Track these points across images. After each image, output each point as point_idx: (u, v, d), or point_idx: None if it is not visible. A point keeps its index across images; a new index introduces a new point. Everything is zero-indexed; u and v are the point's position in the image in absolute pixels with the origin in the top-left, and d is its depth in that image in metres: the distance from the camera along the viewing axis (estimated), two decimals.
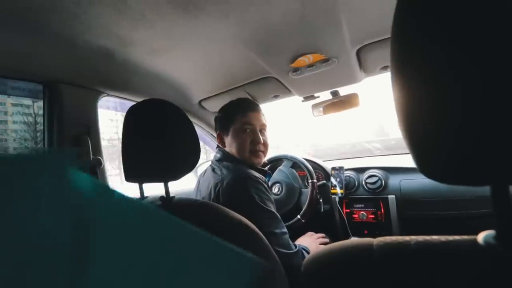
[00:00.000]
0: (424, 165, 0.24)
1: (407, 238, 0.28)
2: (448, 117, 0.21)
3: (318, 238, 1.11)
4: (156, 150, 0.63)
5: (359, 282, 0.27)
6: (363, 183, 1.35)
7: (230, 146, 0.95)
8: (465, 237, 0.26)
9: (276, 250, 0.69)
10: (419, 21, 0.22)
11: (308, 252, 0.90)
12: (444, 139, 0.21)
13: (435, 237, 0.27)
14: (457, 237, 0.26)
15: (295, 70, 0.96)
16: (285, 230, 0.80)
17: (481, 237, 0.25)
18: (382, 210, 1.26)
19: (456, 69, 0.20)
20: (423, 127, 0.23)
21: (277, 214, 0.80)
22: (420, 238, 0.28)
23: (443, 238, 0.27)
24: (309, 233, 1.16)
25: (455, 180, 0.22)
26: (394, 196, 1.24)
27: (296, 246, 0.82)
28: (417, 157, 0.24)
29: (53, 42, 0.68)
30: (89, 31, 0.67)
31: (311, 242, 1.05)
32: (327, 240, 1.12)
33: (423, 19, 0.21)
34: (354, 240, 0.32)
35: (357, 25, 0.74)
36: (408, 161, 1.39)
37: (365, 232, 1.30)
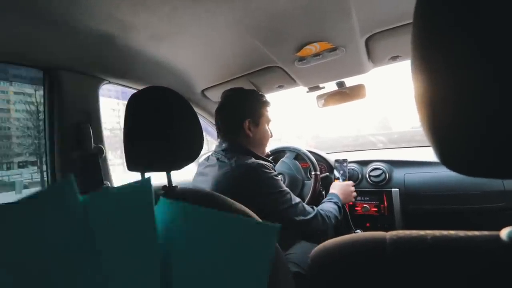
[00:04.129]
0: (449, 158, 0.22)
1: (422, 232, 0.27)
2: (480, 106, 0.19)
3: (348, 185, 1.18)
4: (159, 139, 0.62)
5: (371, 278, 0.26)
6: (367, 176, 1.33)
7: (255, 137, 0.95)
8: (486, 232, 0.25)
9: (296, 221, 0.82)
10: (446, 2, 0.20)
11: (337, 202, 1.01)
12: (475, 129, 0.19)
13: (452, 232, 0.26)
14: (476, 233, 0.25)
15: (301, 59, 0.94)
16: (298, 199, 0.88)
17: (504, 232, 0.23)
18: (385, 203, 1.25)
19: (490, 53, 0.18)
20: (449, 117, 0.21)
21: (287, 188, 0.87)
22: (437, 233, 0.26)
23: (461, 233, 0.25)
24: (337, 181, 1.25)
25: (485, 173, 0.20)
26: (397, 189, 1.23)
27: (313, 209, 0.90)
28: (440, 150, 0.22)
29: (52, 27, 0.66)
30: (89, 16, 0.64)
31: (340, 188, 1.14)
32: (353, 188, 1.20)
33: None
34: (365, 233, 0.30)
35: (367, 11, 0.71)
36: (412, 154, 1.38)
37: (367, 225, 1.30)
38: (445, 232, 0.26)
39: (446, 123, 0.21)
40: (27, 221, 0.17)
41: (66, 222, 0.17)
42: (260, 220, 0.54)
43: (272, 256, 0.17)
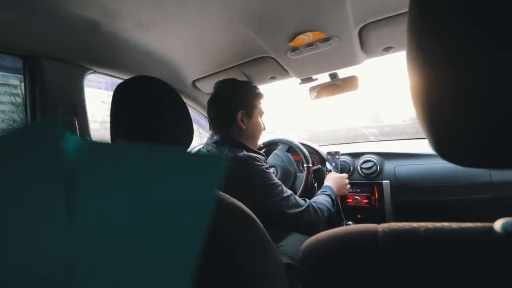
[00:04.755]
0: (446, 150, 0.21)
1: (414, 224, 0.27)
2: (480, 97, 0.18)
3: (342, 177, 1.17)
4: (147, 131, 0.60)
5: (363, 271, 0.26)
6: (359, 168, 1.35)
7: (248, 129, 0.93)
8: (479, 224, 0.24)
9: (288, 213, 0.81)
10: None
11: (330, 195, 1.00)
12: (474, 121, 0.19)
13: (445, 224, 0.25)
14: (470, 224, 0.25)
15: (294, 49, 0.92)
16: (290, 191, 0.87)
17: (498, 224, 0.23)
18: (376, 195, 1.27)
19: (491, 41, 0.17)
20: (446, 109, 0.20)
21: (278, 181, 0.86)
22: (430, 225, 0.26)
23: (454, 225, 0.25)
24: (332, 173, 1.24)
25: (483, 164, 0.20)
26: (388, 181, 1.25)
27: (306, 201, 0.89)
28: (437, 141, 0.22)
29: (32, 11, 0.62)
30: (72, 0, 0.61)
31: (335, 180, 1.13)
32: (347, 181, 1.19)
33: None
34: (357, 226, 0.30)
35: (361, 0, 0.70)
36: (403, 147, 1.39)
37: (358, 216, 1.32)
38: (438, 224, 0.26)
39: (443, 114, 0.20)
40: None
41: None
42: (250, 213, 0.53)
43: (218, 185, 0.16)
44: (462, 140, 0.20)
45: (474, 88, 0.18)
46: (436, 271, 0.23)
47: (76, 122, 0.81)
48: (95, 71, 0.91)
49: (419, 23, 0.21)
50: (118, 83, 1.01)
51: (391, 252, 0.25)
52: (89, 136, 0.86)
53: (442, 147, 0.22)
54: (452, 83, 0.19)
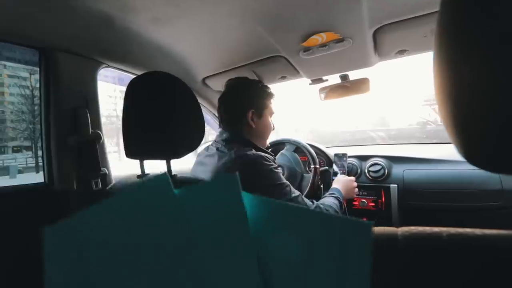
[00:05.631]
0: (472, 154, 0.21)
1: (435, 229, 0.26)
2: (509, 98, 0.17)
3: (351, 180, 1.16)
4: (160, 126, 0.60)
5: (381, 275, 0.25)
6: (366, 171, 1.34)
7: (258, 129, 0.93)
8: (502, 231, 0.24)
9: None
10: None
11: (338, 198, 1.01)
12: (506, 124, 0.18)
13: (468, 229, 0.25)
14: (493, 231, 0.24)
15: (306, 49, 0.91)
16: (298, 192, 0.87)
17: None
18: (383, 199, 1.26)
19: None
20: (475, 110, 0.19)
21: (287, 181, 0.86)
22: (452, 230, 0.25)
23: (477, 231, 0.25)
24: (340, 176, 1.23)
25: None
26: (396, 185, 1.24)
27: (313, 203, 0.90)
28: (464, 145, 0.21)
29: (50, 4, 0.63)
30: None
31: (343, 183, 1.12)
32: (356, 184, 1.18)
33: None
34: (374, 229, 0.29)
35: (378, 2, 0.69)
36: (412, 151, 1.38)
37: (365, 219, 1.31)
38: (460, 230, 0.25)
39: (471, 116, 0.20)
40: (127, 216, 0.18)
41: (163, 215, 0.18)
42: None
43: (370, 258, 0.17)
44: (491, 145, 0.19)
45: (505, 91, 0.17)
46: (458, 277, 0.22)
47: (89, 116, 0.82)
48: (108, 66, 0.92)
49: (451, 21, 0.20)
50: (127, 77, 1.02)
51: (412, 256, 0.25)
52: (100, 129, 0.86)
53: (470, 151, 0.21)
54: (484, 86, 0.18)
